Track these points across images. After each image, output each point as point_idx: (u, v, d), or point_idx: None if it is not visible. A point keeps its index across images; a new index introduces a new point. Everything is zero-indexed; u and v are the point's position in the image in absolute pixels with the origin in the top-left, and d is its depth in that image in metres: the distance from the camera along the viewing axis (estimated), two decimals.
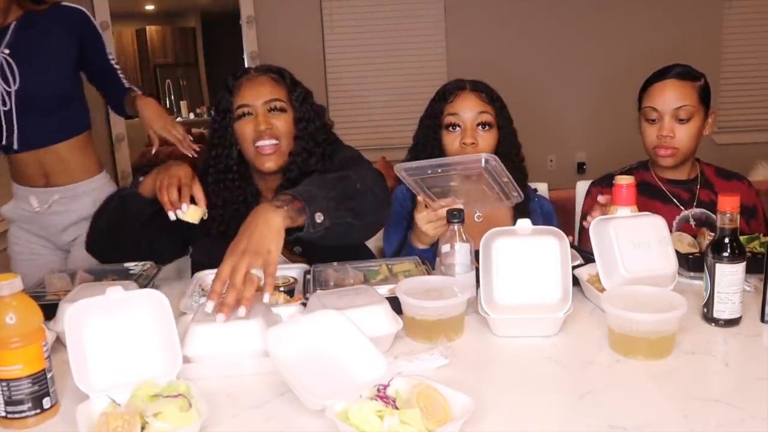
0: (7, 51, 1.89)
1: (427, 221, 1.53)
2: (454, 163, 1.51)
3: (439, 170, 1.50)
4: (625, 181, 1.45)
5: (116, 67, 2.08)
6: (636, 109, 1.87)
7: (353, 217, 1.38)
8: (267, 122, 1.59)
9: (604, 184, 1.91)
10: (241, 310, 1.13)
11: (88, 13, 2.04)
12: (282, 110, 1.62)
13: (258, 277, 1.17)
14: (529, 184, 1.95)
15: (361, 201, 1.41)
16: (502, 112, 1.82)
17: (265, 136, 1.59)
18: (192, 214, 1.48)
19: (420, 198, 1.53)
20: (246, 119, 1.61)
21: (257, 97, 1.61)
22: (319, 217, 1.30)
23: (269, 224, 1.23)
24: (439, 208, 1.50)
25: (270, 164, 1.61)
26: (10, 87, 1.84)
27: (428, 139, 1.82)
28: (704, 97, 1.79)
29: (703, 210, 1.76)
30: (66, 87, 1.99)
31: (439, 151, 1.79)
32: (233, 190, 1.65)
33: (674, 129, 1.75)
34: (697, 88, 1.78)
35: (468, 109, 1.76)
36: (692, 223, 1.77)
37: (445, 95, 1.80)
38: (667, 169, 1.84)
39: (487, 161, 1.47)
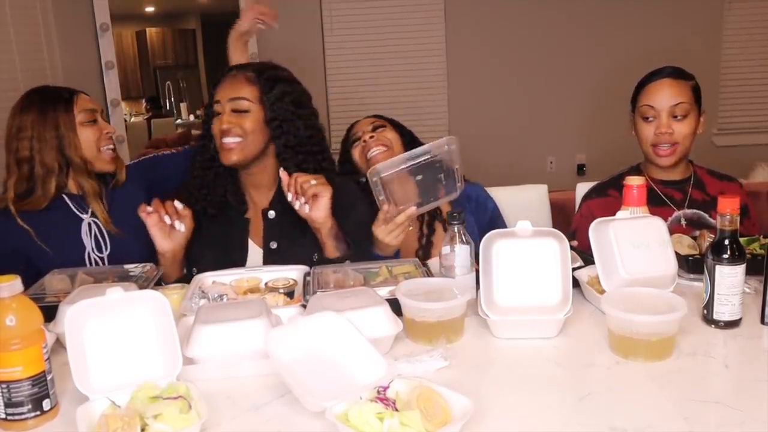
0: (93, 219, 1.79)
1: (388, 232, 1.59)
2: (425, 152, 1.58)
3: (415, 159, 1.58)
4: (635, 182, 1.46)
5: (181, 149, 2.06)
6: (629, 110, 1.88)
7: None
8: (229, 121, 1.63)
9: (594, 195, 1.92)
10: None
11: (153, 156, 2.00)
12: (245, 111, 1.64)
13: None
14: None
15: None
16: (394, 121, 2.03)
17: (228, 134, 1.63)
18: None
19: (384, 208, 1.57)
20: (216, 117, 1.66)
21: (225, 95, 1.64)
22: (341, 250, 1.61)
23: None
24: (397, 214, 1.57)
25: (231, 156, 1.63)
26: (102, 253, 1.77)
27: (346, 162, 2.02)
28: (697, 97, 1.82)
29: (695, 210, 1.77)
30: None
31: (351, 165, 1.99)
32: (219, 176, 1.71)
33: (671, 126, 1.78)
34: (690, 87, 1.81)
35: (362, 124, 2.00)
36: (683, 223, 1.78)
37: (345, 133, 2.05)
38: (661, 170, 1.85)
39: (449, 142, 1.58)
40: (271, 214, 1.70)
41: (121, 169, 1.85)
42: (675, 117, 1.78)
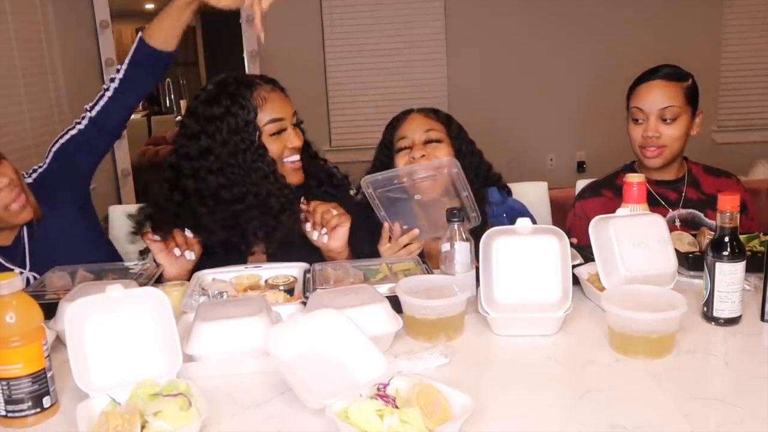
0: (32, 273, 1.61)
1: (391, 253, 1.58)
2: (418, 169, 1.56)
3: (405, 180, 1.58)
4: (636, 179, 1.45)
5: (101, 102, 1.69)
6: (625, 108, 1.88)
7: None
8: (299, 138, 1.62)
9: (588, 195, 1.92)
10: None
11: (57, 143, 1.68)
12: (300, 126, 1.65)
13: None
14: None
15: None
16: (451, 126, 1.79)
17: (294, 151, 1.61)
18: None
19: (385, 226, 1.57)
20: (279, 135, 1.58)
21: (286, 111, 1.60)
22: None
23: None
24: (400, 236, 1.56)
25: (297, 178, 1.62)
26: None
27: (384, 167, 1.74)
28: (691, 98, 1.80)
29: (690, 210, 1.76)
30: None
31: (390, 160, 1.77)
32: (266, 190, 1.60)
33: (659, 129, 1.77)
34: (683, 88, 1.79)
35: (415, 129, 1.74)
36: (677, 224, 1.77)
37: (393, 122, 1.81)
38: (653, 170, 1.84)
39: (449, 164, 1.53)
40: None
41: (34, 209, 1.61)
42: (664, 120, 1.77)
